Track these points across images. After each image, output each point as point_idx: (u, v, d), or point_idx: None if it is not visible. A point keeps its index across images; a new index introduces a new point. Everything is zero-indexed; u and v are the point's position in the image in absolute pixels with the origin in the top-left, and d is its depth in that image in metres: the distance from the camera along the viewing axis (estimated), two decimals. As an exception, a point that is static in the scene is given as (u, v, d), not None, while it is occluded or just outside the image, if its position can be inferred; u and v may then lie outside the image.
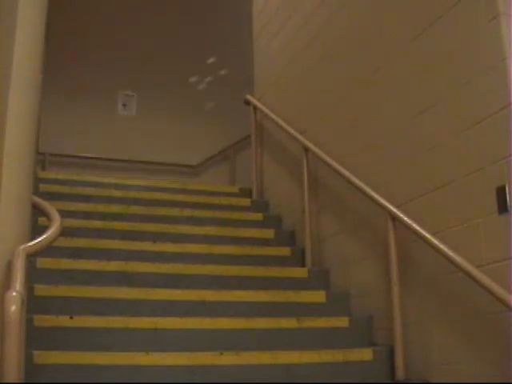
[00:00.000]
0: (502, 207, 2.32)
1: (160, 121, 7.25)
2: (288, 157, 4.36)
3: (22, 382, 1.85)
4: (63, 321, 2.60)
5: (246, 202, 4.56)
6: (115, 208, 3.96)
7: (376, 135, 3.27)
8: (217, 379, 2.50)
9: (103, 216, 3.79)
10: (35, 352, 2.32)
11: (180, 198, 4.39)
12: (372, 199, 3.05)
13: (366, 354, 2.81)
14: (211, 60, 7.41)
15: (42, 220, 2.74)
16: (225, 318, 2.88)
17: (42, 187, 4.02)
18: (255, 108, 4.91)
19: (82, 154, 6.80)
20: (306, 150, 3.88)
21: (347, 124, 3.59)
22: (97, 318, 2.69)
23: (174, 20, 7.33)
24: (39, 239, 2.07)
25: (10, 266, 1.79)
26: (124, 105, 7.36)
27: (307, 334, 2.94)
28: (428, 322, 2.75)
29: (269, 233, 4.03)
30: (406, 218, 2.79)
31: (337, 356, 2.75)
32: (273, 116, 4.46)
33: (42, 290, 2.76)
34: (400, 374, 2.73)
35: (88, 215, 3.76)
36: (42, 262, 2.98)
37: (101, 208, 3.92)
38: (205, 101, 7.39)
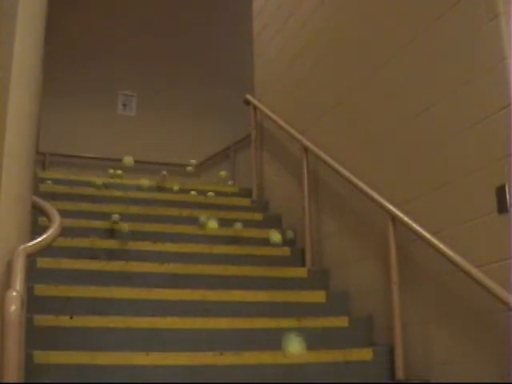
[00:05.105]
0: (502, 207, 2.32)
1: (160, 121, 7.24)
2: (288, 157, 4.36)
3: (22, 382, 1.85)
4: (63, 321, 2.60)
5: (246, 201, 4.55)
6: (115, 208, 3.96)
7: (376, 135, 3.27)
8: (217, 379, 2.50)
9: (103, 216, 3.79)
10: (35, 352, 2.31)
11: (180, 197, 4.39)
12: (372, 199, 3.05)
13: (366, 354, 2.81)
14: (211, 60, 7.41)
15: (42, 220, 2.74)
16: (225, 318, 2.88)
17: (42, 187, 4.02)
18: (255, 108, 4.91)
19: (82, 154, 6.80)
20: (306, 149, 3.88)
21: (347, 124, 3.59)
22: (97, 318, 2.69)
23: (173, 20, 7.34)
24: (39, 239, 2.07)
25: (9, 266, 1.79)
26: (124, 105, 7.36)
27: (307, 334, 2.93)
28: (428, 322, 2.75)
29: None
30: (406, 218, 2.79)
31: (337, 356, 2.75)
32: (273, 116, 4.46)
33: (41, 289, 2.76)
34: (400, 374, 2.73)
35: (88, 215, 3.76)
36: (42, 262, 2.98)
37: (101, 208, 3.91)
38: (205, 101, 7.38)
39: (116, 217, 3.60)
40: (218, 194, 4.65)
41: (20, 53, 2.11)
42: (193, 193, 4.52)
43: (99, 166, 6.63)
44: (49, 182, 4.27)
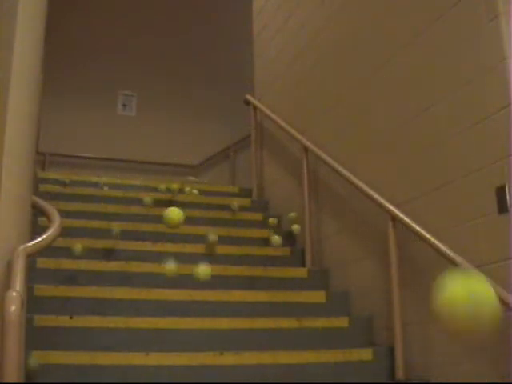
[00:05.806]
0: (502, 207, 2.32)
1: (160, 121, 7.25)
2: (288, 157, 4.36)
3: (22, 382, 1.85)
4: (63, 321, 2.60)
5: (246, 201, 4.55)
6: (115, 208, 3.96)
7: (376, 135, 3.27)
8: (217, 379, 2.50)
9: (103, 216, 3.79)
10: (35, 352, 2.31)
11: (180, 197, 4.39)
12: (372, 199, 3.05)
13: (366, 354, 2.81)
14: (211, 60, 7.41)
15: (42, 220, 2.74)
16: (225, 318, 2.88)
17: (42, 187, 4.02)
18: (255, 108, 4.92)
19: (81, 154, 6.80)
20: (306, 150, 3.88)
21: (347, 124, 3.59)
22: (97, 318, 2.69)
23: (173, 20, 7.35)
24: (39, 239, 2.07)
25: (9, 266, 1.79)
26: (124, 105, 7.36)
27: (307, 333, 2.94)
28: (428, 322, 2.74)
29: (269, 233, 4.02)
30: (406, 218, 2.79)
31: (337, 356, 2.75)
32: (273, 116, 4.46)
33: (41, 289, 2.76)
34: (400, 374, 2.73)
35: (88, 215, 3.76)
36: (42, 262, 2.98)
37: (100, 208, 3.91)
38: (205, 101, 7.39)
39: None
40: (217, 194, 4.65)
41: (20, 53, 2.11)
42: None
43: (99, 165, 6.64)
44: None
